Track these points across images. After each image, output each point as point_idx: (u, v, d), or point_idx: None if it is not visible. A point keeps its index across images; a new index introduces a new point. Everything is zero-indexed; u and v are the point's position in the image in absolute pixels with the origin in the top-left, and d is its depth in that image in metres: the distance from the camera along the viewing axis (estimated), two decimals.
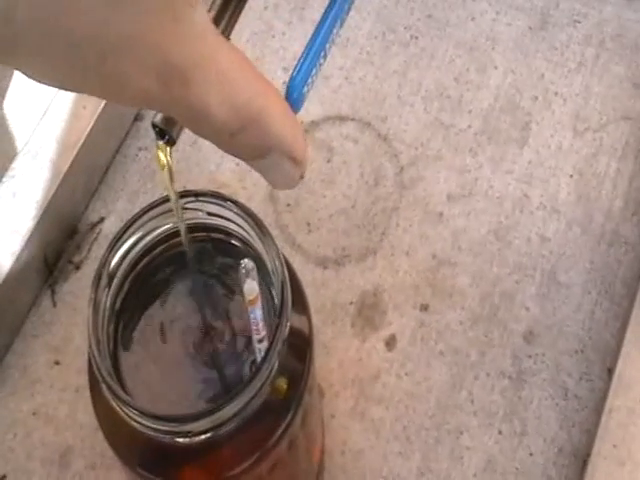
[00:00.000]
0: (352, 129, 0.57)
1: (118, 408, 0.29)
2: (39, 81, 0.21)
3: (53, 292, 0.52)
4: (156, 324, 0.34)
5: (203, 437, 0.29)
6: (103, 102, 0.53)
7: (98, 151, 0.55)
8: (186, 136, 0.25)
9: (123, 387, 0.32)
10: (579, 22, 0.60)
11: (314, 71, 0.26)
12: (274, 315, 0.31)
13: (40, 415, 0.49)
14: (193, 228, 0.33)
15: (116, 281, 0.33)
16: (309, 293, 0.36)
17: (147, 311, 0.34)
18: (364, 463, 0.47)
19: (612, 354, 0.49)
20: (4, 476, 0.47)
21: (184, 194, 0.32)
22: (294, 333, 0.32)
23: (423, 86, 0.58)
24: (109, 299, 0.32)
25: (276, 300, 0.31)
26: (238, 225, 0.33)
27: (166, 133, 0.26)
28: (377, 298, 0.51)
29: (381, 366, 0.49)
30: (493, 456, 0.47)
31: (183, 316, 0.34)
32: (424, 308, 0.51)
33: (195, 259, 0.34)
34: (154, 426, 0.29)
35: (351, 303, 0.51)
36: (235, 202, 0.32)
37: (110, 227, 0.54)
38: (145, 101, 0.22)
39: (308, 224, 0.54)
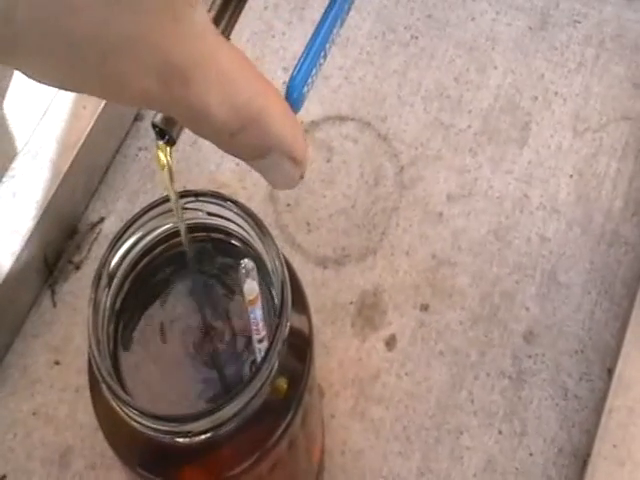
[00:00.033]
0: (352, 129, 0.57)
1: (118, 408, 0.29)
2: (39, 81, 0.21)
3: (53, 292, 0.52)
4: (156, 324, 0.34)
5: (203, 437, 0.29)
6: (103, 102, 0.53)
7: (98, 151, 0.55)
8: (186, 136, 0.25)
9: (123, 387, 0.32)
10: (579, 22, 0.60)
11: (314, 71, 0.26)
12: (274, 315, 0.31)
13: (40, 415, 0.49)
14: (193, 228, 0.33)
15: (116, 281, 0.33)
16: (309, 293, 0.36)
17: (147, 311, 0.34)
18: (364, 463, 0.47)
19: (612, 354, 0.49)
20: (4, 476, 0.47)
21: (184, 194, 0.32)
22: (294, 333, 0.32)
23: (423, 86, 0.58)
24: (109, 299, 0.32)
25: (276, 300, 0.31)
26: (238, 225, 0.33)
27: (166, 133, 0.26)
28: (377, 298, 0.51)
29: (381, 366, 0.49)
30: (493, 456, 0.47)
31: (183, 316, 0.34)
32: (424, 308, 0.51)
33: (195, 259, 0.34)
34: (154, 426, 0.29)
35: (351, 303, 0.51)
36: (235, 202, 0.32)
37: (110, 227, 0.54)
38: (145, 101, 0.22)
39: (308, 224, 0.54)
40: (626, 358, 0.47)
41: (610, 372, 0.48)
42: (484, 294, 0.51)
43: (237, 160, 0.25)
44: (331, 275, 0.52)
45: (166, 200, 0.32)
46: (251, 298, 0.30)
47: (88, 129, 0.53)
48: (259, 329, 0.31)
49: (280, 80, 0.56)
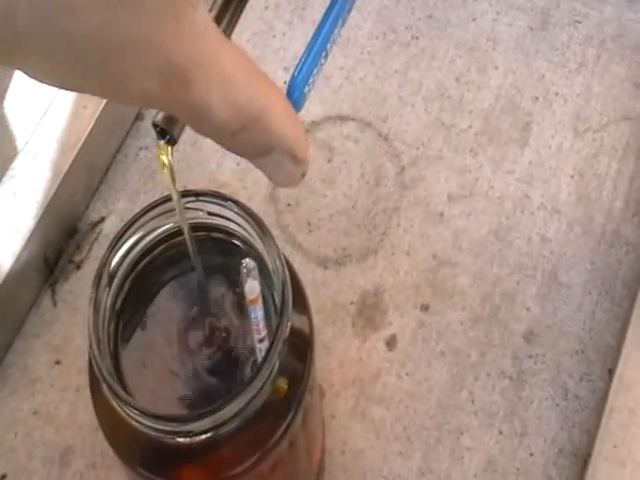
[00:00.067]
0: (353, 129, 0.57)
1: (119, 408, 0.29)
2: (40, 81, 0.21)
3: (54, 292, 0.52)
4: (157, 324, 0.34)
5: (204, 437, 0.29)
6: (104, 102, 0.53)
7: (99, 151, 0.55)
8: (186, 136, 0.25)
9: (124, 387, 0.32)
10: (580, 22, 0.60)
11: (315, 70, 0.26)
12: (275, 315, 0.31)
13: (41, 414, 0.49)
14: (194, 228, 0.33)
15: (117, 281, 0.33)
16: (309, 293, 0.36)
17: (148, 311, 0.34)
18: (364, 463, 0.47)
19: (613, 354, 0.49)
20: (4, 475, 0.47)
21: (185, 194, 0.32)
22: (295, 333, 0.32)
23: (424, 86, 0.58)
24: (110, 299, 0.32)
25: (277, 300, 0.31)
26: (239, 225, 0.33)
27: (167, 132, 0.26)
28: (378, 298, 0.51)
29: (381, 366, 0.49)
30: (493, 456, 0.47)
31: (183, 316, 0.34)
32: (425, 308, 0.51)
33: (196, 259, 0.34)
34: (155, 426, 0.29)
35: (352, 303, 0.51)
36: (236, 202, 0.32)
37: (110, 227, 0.54)
38: (146, 100, 0.22)
39: (309, 224, 0.54)
40: (627, 358, 0.47)
41: (611, 372, 0.48)
42: (485, 294, 0.51)
43: (237, 160, 0.25)
44: (332, 275, 0.52)
45: (167, 200, 0.32)
46: (252, 298, 0.30)
47: (88, 129, 0.53)
48: (260, 329, 0.31)
49: (281, 80, 0.56)
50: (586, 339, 0.50)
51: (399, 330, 0.50)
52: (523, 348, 0.50)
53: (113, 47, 0.20)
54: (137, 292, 0.34)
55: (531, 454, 0.47)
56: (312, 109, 0.57)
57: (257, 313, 0.30)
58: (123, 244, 0.32)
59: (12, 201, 0.50)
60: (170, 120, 0.26)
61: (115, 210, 0.54)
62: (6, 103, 0.54)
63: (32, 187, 0.51)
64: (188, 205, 0.32)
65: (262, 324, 0.31)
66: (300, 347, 0.34)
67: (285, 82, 0.26)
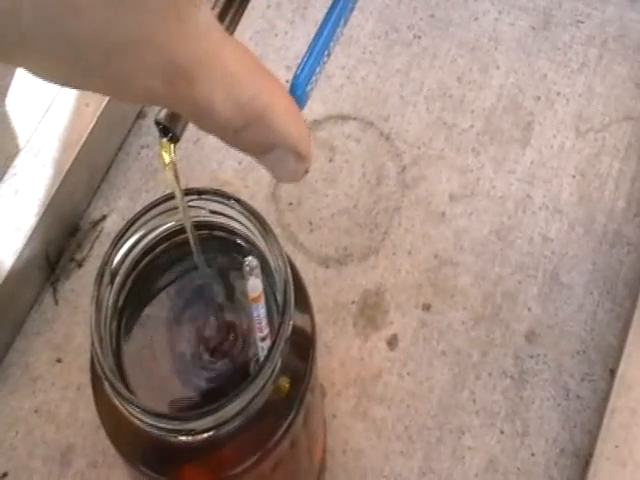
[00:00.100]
0: (354, 128, 0.57)
1: (121, 406, 0.29)
2: (43, 79, 0.21)
3: (55, 290, 0.52)
4: (158, 322, 0.34)
5: (206, 435, 0.29)
6: (105, 100, 0.53)
7: (100, 149, 0.55)
8: (188, 134, 0.25)
9: (125, 385, 0.32)
10: (582, 22, 0.60)
11: (318, 69, 0.26)
12: (277, 313, 0.31)
13: (42, 413, 0.49)
14: (196, 226, 0.33)
15: (118, 279, 0.33)
16: (311, 292, 0.36)
17: (149, 309, 0.34)
18: (365, 462, 0.47)
19: (614, 355, 0.49)
20: (5, 474, 0.47)
21: (187, 192, 0.32)
22: (296, 332, 0.32)
23: (425, 86, 0.58)
24: (112, 297, 0.32)
25: (279, 298, 0.31)
26: (241, 223, 0.33)
27: (170, 130, 0.26)
28: (379, 297, 0.51)
29: (383, 366, 0.49)
30: (495, 456, 0.47)
31: (185, 314, 0.34)
32: (426, 308, 0.51)
33: (198, 257, 0.34)
34: (157, 424, 0.29)
35: (353, 302, 0.51)
36: (238, 200, 0.32)
37: (112, 225, 0.54)
38: (149, 98, 0.22)
39: (310, 223, 0.54)
40: (628, 359, 0.46)
41: (612, 372, 0.48)
42: (486, 294, 0.51)
43: (239, 159, 0.25)
44: (333, 274, 0.52)
45: (168, 198, 0.32)
46: (254, 296, 0.29)
47: (90, 127, 0.53)
48: (262, 327, 0.31)
49: (283, 79, 0.56)
50: (587, 339, 0.50)
51: (400, 330, 0.50)
52: (524, 348, 0.50)
53: (116, 47, 0.20)
54: (139, 290, 0.34)
55: (532, 454, 0.47)
56: (314, 108, 0.57)
57: (259, 311, 0.30)
58: (125, 242, 0.32)
59: (14, 199, 0.51)
60: (173, 118, 0.26)
61: (116, 208, 0.54)
62: (8, 101, 0.54)
63: (34, 185, 0.51)
64: (190, 203, 0.32)
65: (264, 322, 0.31)
66: (302, 346, 0.34)
67: (287, 81, 0.26)
